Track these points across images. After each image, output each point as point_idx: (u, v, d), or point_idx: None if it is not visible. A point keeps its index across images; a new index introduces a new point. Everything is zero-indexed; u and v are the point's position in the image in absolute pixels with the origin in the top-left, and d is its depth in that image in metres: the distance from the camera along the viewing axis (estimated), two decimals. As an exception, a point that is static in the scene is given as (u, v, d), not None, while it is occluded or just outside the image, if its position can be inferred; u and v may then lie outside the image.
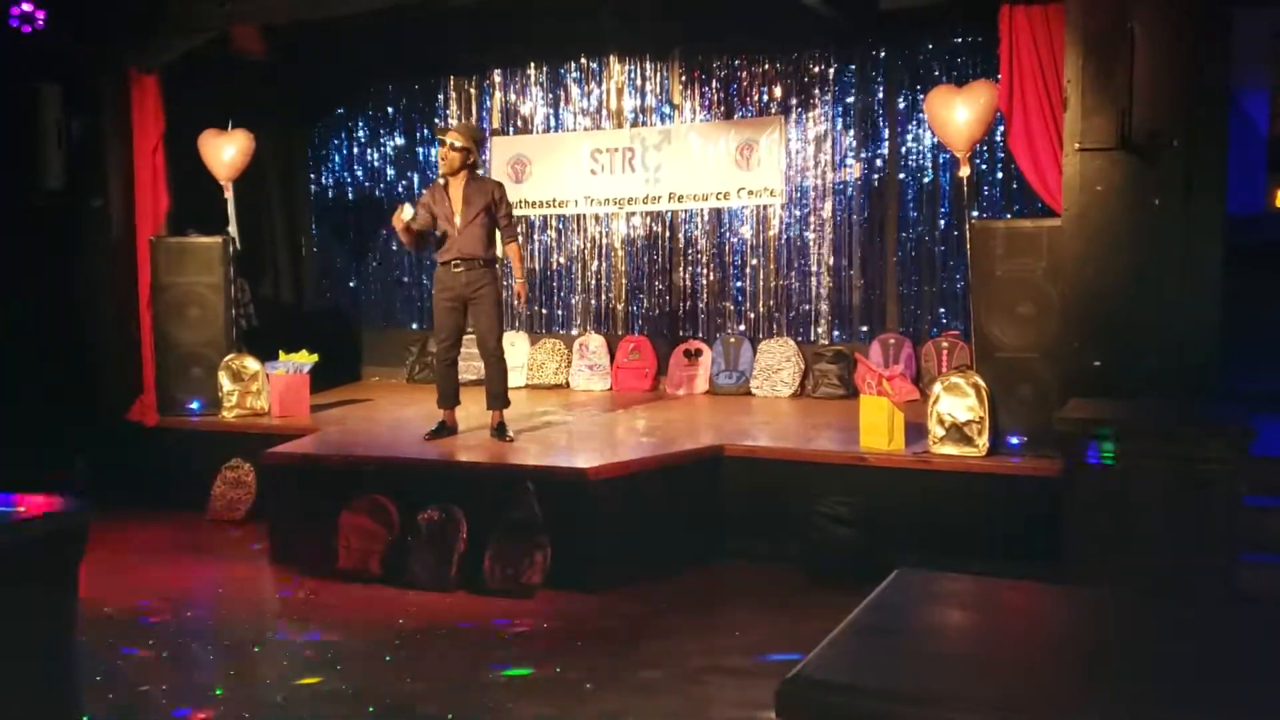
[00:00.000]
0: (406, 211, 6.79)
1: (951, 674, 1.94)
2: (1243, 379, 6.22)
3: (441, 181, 6.89)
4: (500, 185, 7.05)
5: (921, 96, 8.29)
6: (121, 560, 6.49)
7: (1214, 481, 4.83)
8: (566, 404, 8.67)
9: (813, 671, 1.86)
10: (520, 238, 7.65)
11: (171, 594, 6.04)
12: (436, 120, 9.98)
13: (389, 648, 5.12)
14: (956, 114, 6.69)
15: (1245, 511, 4.98)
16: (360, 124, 10.51)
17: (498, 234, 6.96)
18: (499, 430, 6.90)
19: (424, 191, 7.02)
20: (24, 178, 7.96)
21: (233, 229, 8.50)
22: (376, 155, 10.47)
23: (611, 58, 9.52)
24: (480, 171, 7.27)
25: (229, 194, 8.57)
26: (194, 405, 8.26)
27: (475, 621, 5.51)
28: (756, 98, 9.13)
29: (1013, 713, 1.75)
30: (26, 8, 7.67)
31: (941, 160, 8.49)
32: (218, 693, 4.65)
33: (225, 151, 8.50)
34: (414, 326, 10.29)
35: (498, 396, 6.92)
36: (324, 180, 10.69)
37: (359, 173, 10.55)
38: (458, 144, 6.78)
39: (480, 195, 6.79)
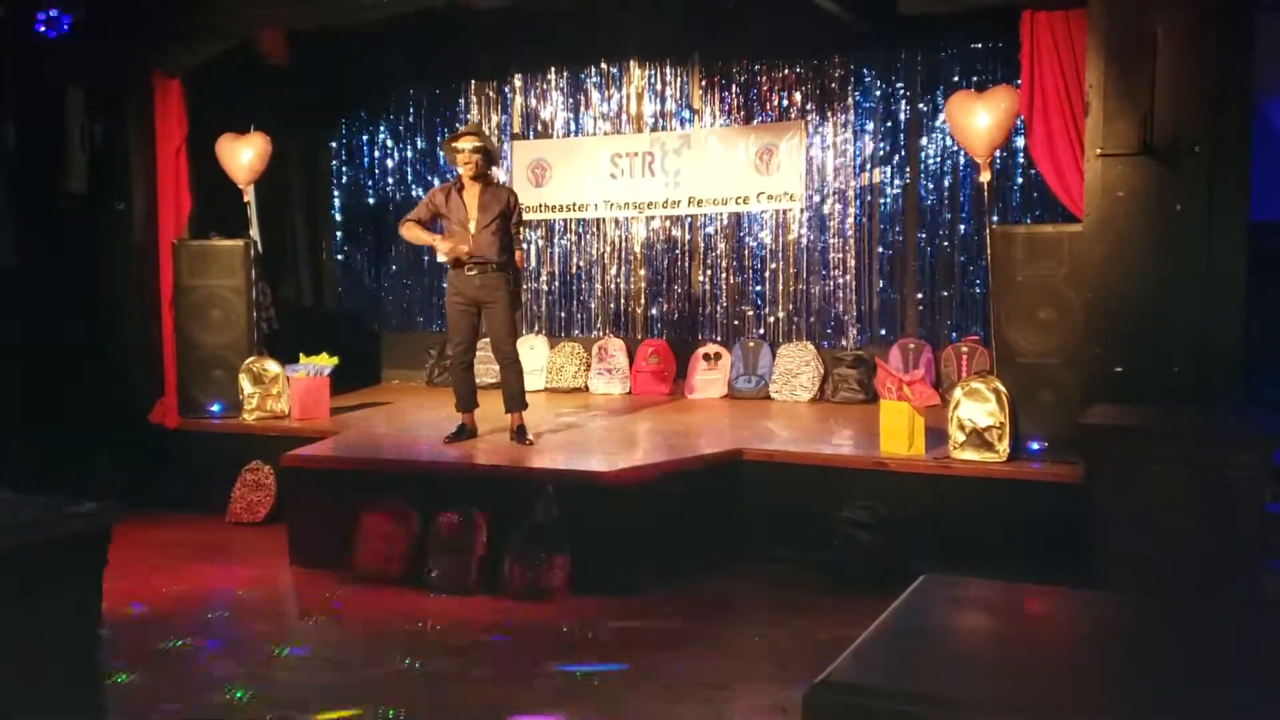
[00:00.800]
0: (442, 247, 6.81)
1: (983, 678, 1.94)
2: (1266, 385, 6.18)
3: (456, 185, 6.89)
4: (515, 194, 7.06)
5: (941, 101, 8.30)
6: (142, 561, 6.52)
7: (1237, 488, 4.81)
8: (585, 407, 8.68)
9: (843, 675, 1.86)
10: (525, 245, 7.63)
11: (191, 596, 6.07)
12: (458, 125, 10.02)
13: (408, 651, 5.13)
14: (977, 119, 6.68)
15: (1269, 518, 4.96)
16: (382, 128, 10.56)
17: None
18: (519, 433, 6.90)
19: (433, 191, 6.98)
20: (48, 180, 8.04)
21: (254, 232, 8.54)
22: (398, 159, 10.52)
23: (631, 62, 9.55)
24: (499, 174, 7.28)
25: (249, 197, 8.61)
26: (215, 407, 8.30)
27: (493, 625, 5.52)
28: (776, 102, 9.13)
29: (1045, 717, 1.75)
30: (54, 13, 7.74)
31: (961, 165, 8.48)
32: (238, 695, 4.67)
33: (243, 155, 8.53)
34: (433, 329, 10.32)
35: (515, 399, 6.92)
36: (345, 183, 10.74)
37: (380, 176, 10.59)
38: (479, 146, 6.78)
39: (497, 203, 6.78)
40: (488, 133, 9.30)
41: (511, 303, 6.89)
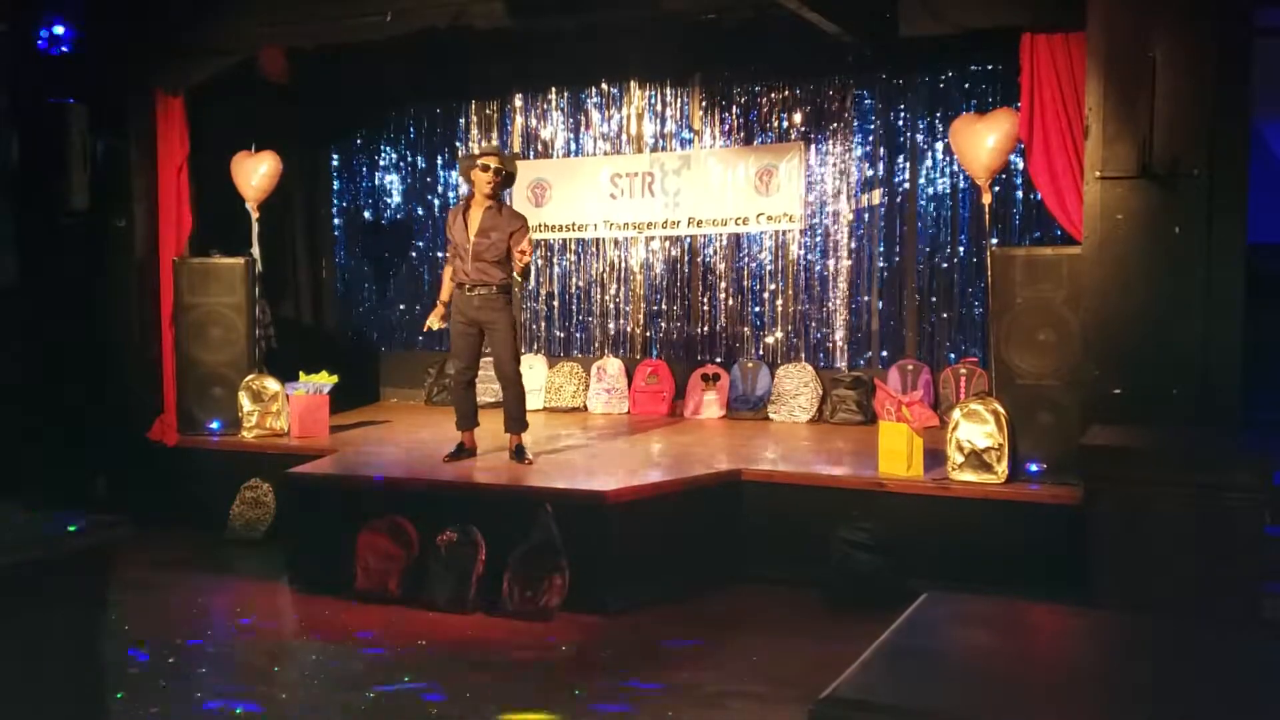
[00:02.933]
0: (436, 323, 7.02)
1: (984, 695, 1.95)
2: (1264, 407, 6.20)
3: (464, 206, 6.90)
4: (521, 217, 6.96)
5: (941, 123, 8.34)
6: (141, 579, 6.50)
7: (1236, 511, 4.82)
8: (584, 427, 8.69)
9: (848, 691, 1.86)
10: (533, 260, 7.67)
11: (190, 613, 6.06)
12: (458, 144, 10.06)
13: (407, 669, 5.12)
14: (979, 142, 6.71)
15: (1267, 540, 4.96)
16: (382, 147, 10.59)
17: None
18: (518, 453, 6.90)
19: (448, 218, 7.02)
20: (50, 197, 8.03)
21: (255, 250, 8.56)
22: (398, 178, 10.55)
23: (632, 83, 9.58)
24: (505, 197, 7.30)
25: (255, 216, 8.63)
26: (214, 425, 8.30)
27: (492, 643, 5.51)
28: (776, 124, 9.16)
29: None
30: (57, 30, 7.78)
31: (961, 187, 8.51)
32: (237, 712, 4.66)
33: (256, 173, 8.55)
34: (433, 349, 10.31)
35: (516, 420, 6.92)
36: (345, 202, 10.76)
37: (380, 195, 10.62)
38: (497, 167, 6.78)
39: (497, 226, 6.78)
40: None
41: (515, 325, 6.92)
